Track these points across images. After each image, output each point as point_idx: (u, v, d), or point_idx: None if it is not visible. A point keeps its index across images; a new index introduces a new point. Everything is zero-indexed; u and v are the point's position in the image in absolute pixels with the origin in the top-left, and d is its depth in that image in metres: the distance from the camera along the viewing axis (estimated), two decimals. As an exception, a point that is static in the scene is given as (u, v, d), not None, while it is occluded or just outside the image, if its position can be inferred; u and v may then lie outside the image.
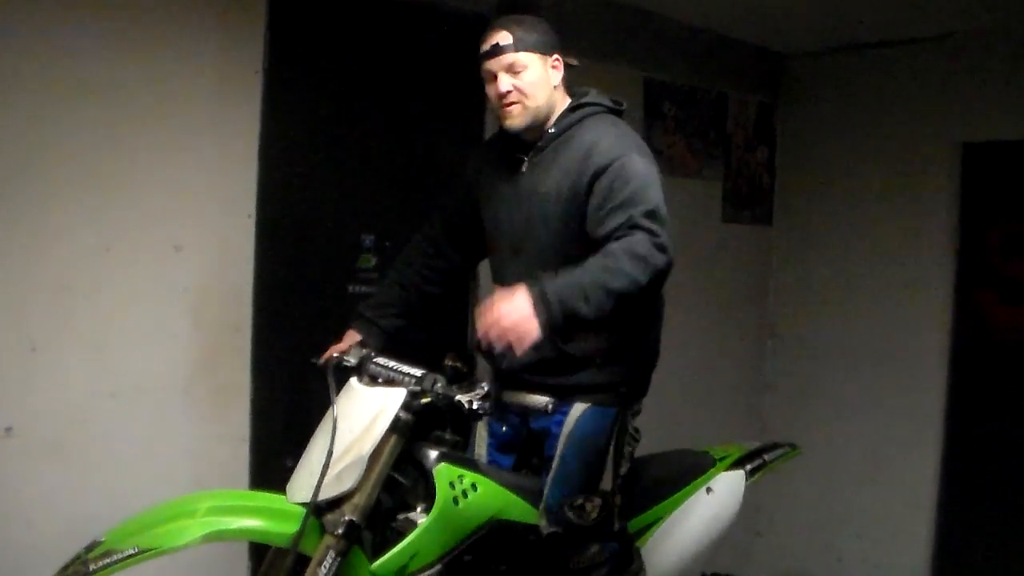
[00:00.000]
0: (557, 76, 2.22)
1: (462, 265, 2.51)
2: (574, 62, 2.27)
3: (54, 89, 2.34)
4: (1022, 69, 3.59)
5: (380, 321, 2.39)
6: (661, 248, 1.95)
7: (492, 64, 2.16)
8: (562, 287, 1.90)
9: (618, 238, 1.97)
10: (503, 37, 2.15)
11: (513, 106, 2.16)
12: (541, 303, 1.87)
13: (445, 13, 3.09)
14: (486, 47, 2.17)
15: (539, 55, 2.17)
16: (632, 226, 1.96)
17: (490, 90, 2.20)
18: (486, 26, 2.22)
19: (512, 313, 1.86)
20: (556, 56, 2.21)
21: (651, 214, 1.98)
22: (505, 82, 2.15)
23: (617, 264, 1.92)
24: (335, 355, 2.21)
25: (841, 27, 3.79)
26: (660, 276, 1.97)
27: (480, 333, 1.91)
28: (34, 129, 2.33)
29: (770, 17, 3.68)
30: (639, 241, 1.94)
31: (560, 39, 2.24)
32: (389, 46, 3.05)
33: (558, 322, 1.88)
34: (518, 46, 2.14)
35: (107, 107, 2.43)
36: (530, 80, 2.15)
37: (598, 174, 2.08)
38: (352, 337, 2.33)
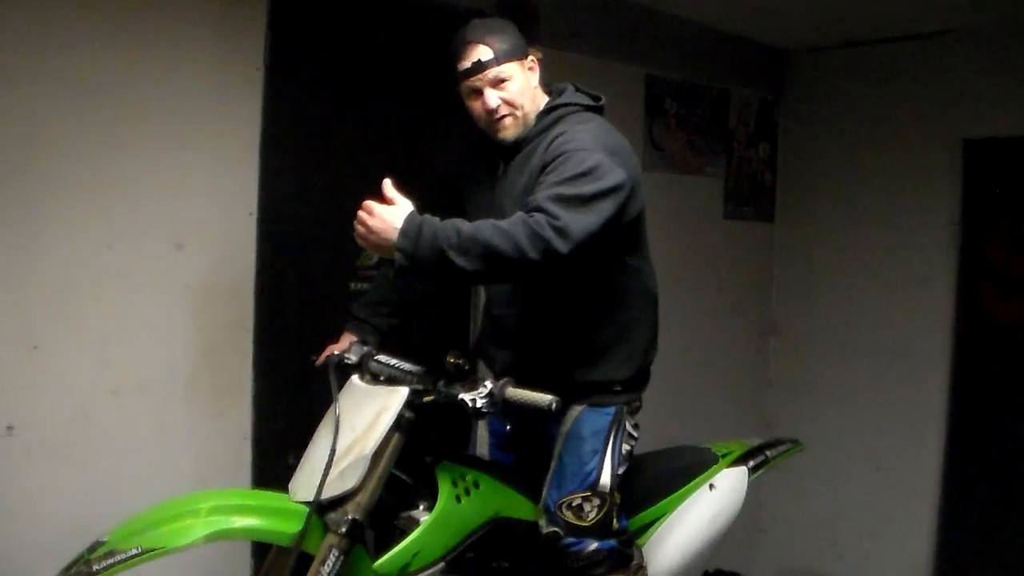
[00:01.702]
0: (535, 77, 2.20)
1: None
2: (539, 55, 2.24)
3: (55, 87, 2.33)
4: (1022, 65, 3.58)
5: (373, 320, 2.38)
6: (559, 231, 1.87)
7: (476, 82, 2.12)
8: (441, 227, 1.86)
9: (527, 212, 1.92)
10: (483, 52, 2.11)
11: (505, 119, 2.14)
12: (412, 229, 1.85)
13: (447, 10, 3.07)
14: (466, 65, 2.12)
15: (518, 62, 2.15)
16: (537, 208, 1.91)
17: (475, 106, 2.16)
18: (459, 41, 2.15)
19: (381, 223, 1.87)
20: (531, 57, 2.20)
21: (563, 199, 1.91)
22: (493, 97, 2.12)
23: (511, 229, 1.87)
24: (335, 353, 2.20)
25: (842, 23, 3.78)
26: (555, 258, 1.88)
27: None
28: (35, 127, 2.32)
29: (772, 13, 3.67)
30: (538, 221, 1.88)
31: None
32: (391, 43, 3.04)
33: (424, 255, 1.84)
34: (499, 58, 2.11)
35: (108, 105, 2.43)
36: (515, 90, 2.13)
37: (545, 165, 2.05)
38: (348, 339, 2.32)
